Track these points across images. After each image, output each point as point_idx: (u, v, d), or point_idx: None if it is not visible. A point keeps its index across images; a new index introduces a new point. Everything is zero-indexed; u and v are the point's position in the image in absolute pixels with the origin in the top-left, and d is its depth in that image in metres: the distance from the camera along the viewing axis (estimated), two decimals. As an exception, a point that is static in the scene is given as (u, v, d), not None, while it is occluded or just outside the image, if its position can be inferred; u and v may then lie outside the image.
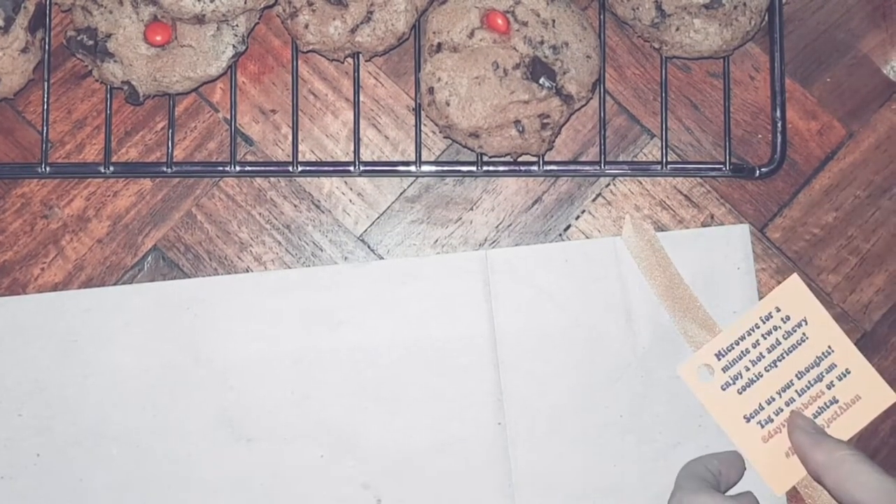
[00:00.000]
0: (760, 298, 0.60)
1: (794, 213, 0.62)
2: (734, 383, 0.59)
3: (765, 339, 0.60)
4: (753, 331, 0.60)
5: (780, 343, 0.60)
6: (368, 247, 0.61)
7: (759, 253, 0.61)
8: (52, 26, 0.60)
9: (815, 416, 0.59)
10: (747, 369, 0.59)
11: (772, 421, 0.59)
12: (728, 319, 0.60)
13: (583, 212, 0.61)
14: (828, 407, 0.59)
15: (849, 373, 0.59)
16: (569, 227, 0.61)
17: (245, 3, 0.56)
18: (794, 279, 0.60)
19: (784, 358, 0.60)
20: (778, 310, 0.60)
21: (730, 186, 0.62)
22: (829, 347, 0.60)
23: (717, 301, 0.60)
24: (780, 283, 0.60)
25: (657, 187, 0.61)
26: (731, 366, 0.59)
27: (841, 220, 0.62)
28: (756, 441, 0.59)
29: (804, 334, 0.60)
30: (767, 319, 0.60)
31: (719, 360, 0.59)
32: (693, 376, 0.59)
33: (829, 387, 0.59)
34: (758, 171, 0.60)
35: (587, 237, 0.61)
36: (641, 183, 0.61)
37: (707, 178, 0.61)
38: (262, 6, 0.58)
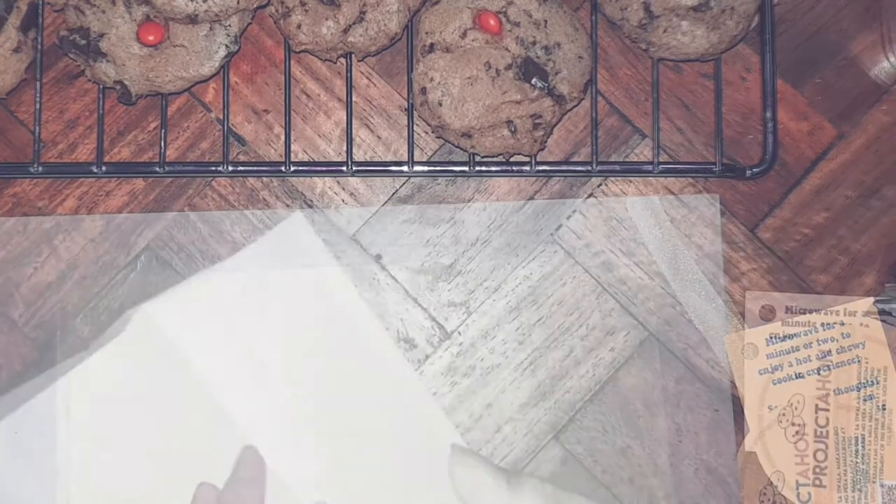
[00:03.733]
0: (751, 296, 0.60)
1: (784, 214, 0.62)
2: (772, 373, 0.59)
3: (819, 344, 0.60)
4: (811, 332, 0.60)
5: (831, 354, 0.60)
6: (361, 246, 0.61)
7: (750, 253, 0.61)
8: (45, 26, 0.60)
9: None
10: (791, 365, 0.59)
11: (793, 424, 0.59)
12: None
13: (574, 212, 0.61)
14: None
15: (884, 408, 0.60)
16: (560, 226, 0.61)
17: (238, 3, 0.56)
18: (869, 304, 0.60)
19: (829, 370, 0.60)
20: (842, 323, 0.60)
21: (721, 187, 0.62)
22: (876, 378, 0.60)
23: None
24: (770, 282, 0.61)
25: (649, 187, 0.62)
26: (777, 355, 0.59)
27: (831, 220, 0.62)
28: (768, 425, 0.59)
29: (858, 356, 0.60)
30: (829, 328, 0.60)
31: (769, 345, 0.59)
32: (737, 349, 0.59)
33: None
34: (749, 172, 0.61)
35: (579, 237, 0.61)
36: (633, 183, 0.62)
37: (698, 178, 0.62)
38: (254, 6, 0.58)
